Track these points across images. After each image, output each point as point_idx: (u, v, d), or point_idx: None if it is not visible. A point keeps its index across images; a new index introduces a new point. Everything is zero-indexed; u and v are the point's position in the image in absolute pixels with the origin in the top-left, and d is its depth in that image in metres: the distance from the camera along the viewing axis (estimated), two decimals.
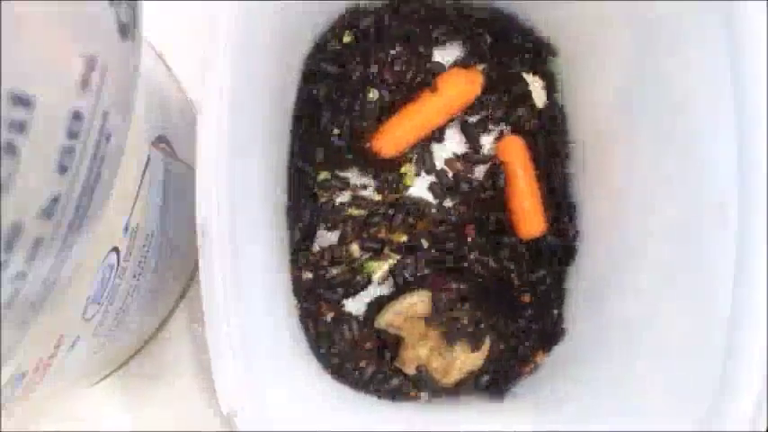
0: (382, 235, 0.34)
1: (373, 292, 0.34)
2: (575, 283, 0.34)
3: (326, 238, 0.34)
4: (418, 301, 0.33)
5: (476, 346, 0.32)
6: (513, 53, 0.35)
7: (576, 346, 0.32)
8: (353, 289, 0.34)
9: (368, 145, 0.34)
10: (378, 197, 0.34)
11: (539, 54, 0.35)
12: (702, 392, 0.24)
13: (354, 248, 0.34)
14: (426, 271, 0.34)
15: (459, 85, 0.34)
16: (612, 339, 0.30)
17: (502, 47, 0.35)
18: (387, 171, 0.34)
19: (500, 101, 0.35)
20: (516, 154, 0.34)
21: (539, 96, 0.35)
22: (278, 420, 0.24)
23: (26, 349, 0.18)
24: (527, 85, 0.35)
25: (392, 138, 0.34)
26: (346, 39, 0.34)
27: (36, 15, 0.13)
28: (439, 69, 0.35)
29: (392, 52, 0.35)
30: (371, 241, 0.34)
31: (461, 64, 0.35)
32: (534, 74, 0.35)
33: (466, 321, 0.32)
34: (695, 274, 0.26)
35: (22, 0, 0.12)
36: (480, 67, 0.35)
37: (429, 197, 0.35)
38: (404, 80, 0.34)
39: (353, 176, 0.34)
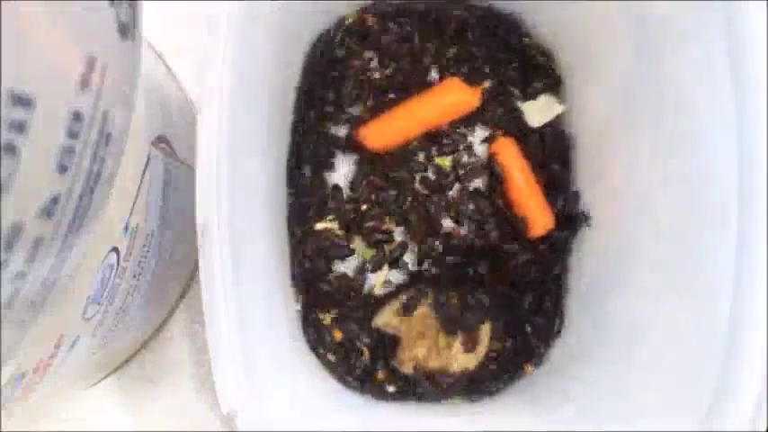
0: (383, 231, 0.34)
1: (372, 291, 0.34)
2: (575, 283, 0.34)
3: (327, 237, 0.34)
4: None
5: (473, 342, 0.32)
6: (515, 59, 0.35)
7: (576, 345, 0.32)
8: (353, 289, 0.34)
9: (355, 134, 0.34)
10: (376, 195, 0.34)
11: (544, 57, 0.35)
12: (702, 392, 0.24)
13: (355, 247, 0.34)
14: (426, 270, 0.34)
15: (456, 95, 0.34)
16: (612, 339, 0.30)
17: (505, 55, 0.35)
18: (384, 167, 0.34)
19: (497, 107, 0.35)
20: (510, 155, 0.34)
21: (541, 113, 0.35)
22: (278, 420, 0.24)
23: (26, 349, 0.18)
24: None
25: (380, 132, 0.33)
26: (347, 40, 0.34)
27: (36, 15, 0.13)
28: (438, 77, 0.35)
29: (392, 54, 0.35)
30: (372, 236, 0.34)
31: (462, 75, 0.35)
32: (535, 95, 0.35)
33: (466, 317, 0.33)
34: (695, 273, 0.26)
35: (22, 0, 0.12)
36: (486, 83, 0.35)
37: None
38: (402, 84, 0.34)
39: (353, 174, 0.34)
